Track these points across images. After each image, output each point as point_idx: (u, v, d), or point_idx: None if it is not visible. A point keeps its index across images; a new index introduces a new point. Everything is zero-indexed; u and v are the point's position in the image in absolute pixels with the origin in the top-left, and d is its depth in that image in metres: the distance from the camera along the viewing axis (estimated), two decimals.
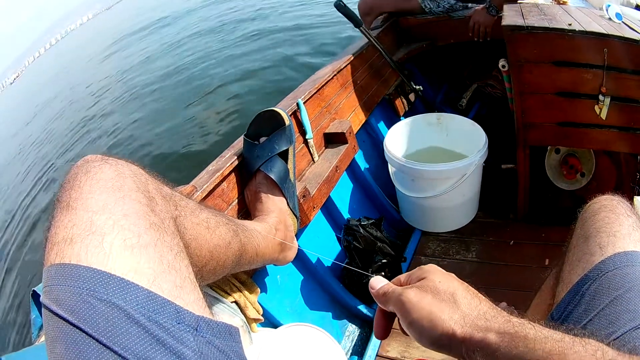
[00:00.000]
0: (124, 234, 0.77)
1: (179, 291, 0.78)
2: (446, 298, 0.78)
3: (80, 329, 0.67)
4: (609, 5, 2.21)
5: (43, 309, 0.72)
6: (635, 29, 2.01)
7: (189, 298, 0.79)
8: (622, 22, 2.13)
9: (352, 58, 2.77)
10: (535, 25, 2.03)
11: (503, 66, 2.30)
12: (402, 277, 0.90)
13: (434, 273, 0.85)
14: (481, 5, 2.93)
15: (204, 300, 0.84)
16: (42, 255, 0.78)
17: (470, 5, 3.16)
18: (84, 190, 0.82)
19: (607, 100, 2.00)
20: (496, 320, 0.73)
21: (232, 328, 0.84)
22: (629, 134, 2.05)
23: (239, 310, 1.56)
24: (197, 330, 0.75)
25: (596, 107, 2.04)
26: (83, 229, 0.76)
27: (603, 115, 2.04)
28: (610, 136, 2.11)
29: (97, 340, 0.66)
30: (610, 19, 2.14)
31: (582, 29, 1.95)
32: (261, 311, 1.67)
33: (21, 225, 7.59)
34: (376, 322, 0.93)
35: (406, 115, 3.12)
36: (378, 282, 0.92)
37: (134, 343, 0.67)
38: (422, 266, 0.88)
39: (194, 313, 0.77)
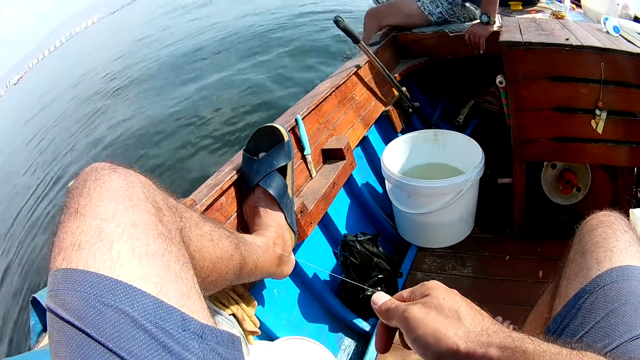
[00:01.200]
0: (132, 242, 0.78)
1: (185, 300, 0.79)
2: (450, 314, 0.79)
3: (87, 334, 0.67)
4: (606, 19, 2.24)
5: (48, 313, 0.73)
6: (633, 41, 2.04)
7: (195, 307, 0.80)
8: (620, 35, 2.16)
9: (351, 74, 2.80)
10: (533, 40, 2.06)
11: (500, 82, 2.31)
12: (405, 292, 0.91)
13: (438, 289, 0.86)
14: (476, 21, 2.97)
15: (208, 310, 0.85)
16: (48, 259, 0.78)
17: (467, 4, 3.20)
18: (93, 198, 0.83)
19: (604, 114, 2.02)
20: (497, 336, 0.74)
21: (235, 337, 0.85)
22: (625, 147, 2.07)
23: (236, 322, 1.58)
24: (202, 337, 0.77)
25: (592, 122, 2.07)
26: (92, 235, 0.77)
27: (599, 130, 2.06)
28: (607, 150, 2.13)
29: (103, 345, 0.67)
30: (607, 32, 2.17)
31: (580, 44, 1.98)
32: (258, 324, 1.68)
33: (22, 229, 7.59)
34: (377, 336, 0.94)
35: (404, 131, 3.14)
36: (380, 298, 0.93)
37: (140, 349, 0.68)
38: (425, 282, 0.89)
39: (200, 321, 0.78)
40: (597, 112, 2.03)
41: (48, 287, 0.75)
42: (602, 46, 1.94)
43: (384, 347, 0.94)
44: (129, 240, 0.78)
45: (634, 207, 1.73)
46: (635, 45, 2.00)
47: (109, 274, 0.73)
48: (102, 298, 0.70)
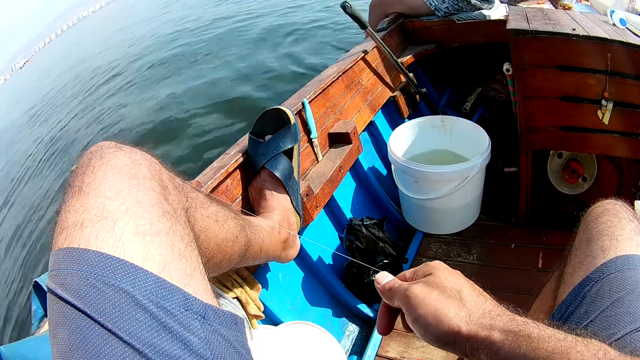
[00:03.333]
0: (136, 220, 0.77)
1: (189, 279, 0.77)
2: (452, 295, 0.78)
3: (86, 314, 0.66)
4: (613, 11, 2.21)
5: (48, 294, 0.71)
6: (639, 34, 2.00)
7: (198, 287, 0.78)
8: (626, 28, 2.13)
9: (358, 59, 2.78)
10: (540, 29, 2.03)
11: (507, 70, 2.28)
12: (408, 272, 0.90)
13: (440, 269, 0.84)
14: (484, 10, 2.94)
15: (212, 291, 0.83)
16: (50, 239, 0.77)
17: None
18: (98, 176, 0.81)
19: (610, 105, 1.99)
20: (501, 319, 0.72)
21: (238, 318, 0.84)
22: (632, 139, 2.04)
23: (240, 306, 1.56)
24: (204, 318, 0.75)
25: (599, 112, 2.04)
26: (95, 213, 0.75)
27: (606, 120, 2.04)
28: (613, 141, 2.10)
29: (102, 325, 0.65)
30: (614, 24, 2.14)
31: (586, 34, 1.94)
32: (262, 308, 1.66)
33: (24, 213, 7.59)
34: (379, 317, 0.93)
35: (410, 117, 3.13)
36: (384, 278, 0.92)
37: (140, 329, 0.66)
38: (428, 262, 0.87)
39: (203, 301, 0.77)
40: (604, 102, 2.00)
41: (49, 266, 0.74)
42: (609, 37, 1.91)
43: (385, 329, 0.93)
44: (132, 218, 0.76)
45: (638, 199, 1.71)
46: None
47: (111, 252, 0.71)
48: (103, 277, 0.68)
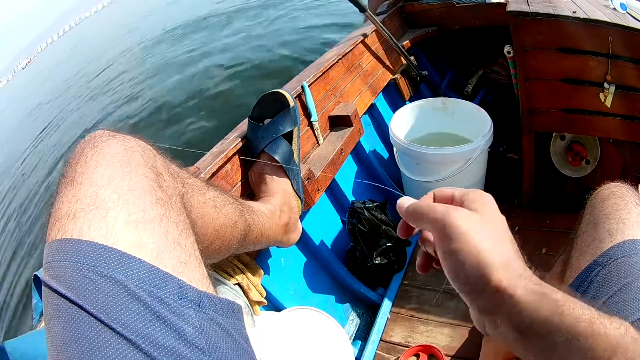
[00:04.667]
0: (128, 208, 0.75)
1: (183, 267, 0.76)
2: (498, 240, 0.70)
3: (79, 306, 0.65)
4: None
5: (42, 287, 0.70)
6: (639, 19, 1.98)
7: (193, 275, 0.77)
8: (627, 12, 2.10)
9: (358, 42, 2.75)
10: (540, 11, 2.00)
11: (508, 52, 2.26)
12: (457, 192, 0.79)
13: (491, 206, 0.76)
14: None
15: (208, 278, 0.82)
16: (45, 231, 0.76)
17: None
18: (90, 165, 0.80)
19: (612, 88, 1.97)
20: (531, 280, 0.66)
21: (235, 305, 0.83)
22: (634, 122, 2.02)
23: (241, 292, 1.54)
24: (199, 306, 0.74)
25: (601, 95, 2.02)
26: (87, 203, 0.74)
27: (608, 103, 2.01)
28: (615, 124, 2.08)
29: (95, 317, 0.64)
30: (614, 9, 2.11)
31: (587, 17, 1.92)
32: (264, 294, 1.65)
33: (26, 206, 7.60)
34: (419, 257, 0.89)
35: (411, 99, 3.09)
36: (407, 200, 0.83)
37: (133, 320, 0.65)
38: (481, 191, 0.78)
39: (197, 289, 0.75)
40: (606, 85, 1.98)
41: (44, 259, 0.73)
42: (610, 21, 1.89)
43: (422, 267, 0.89)
44: (125, 206, 0.75)
45: None
46: None
47: (104, 242, 0.70)
48: (96, 268, 0.68)
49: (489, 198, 0.77)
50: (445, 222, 0.71)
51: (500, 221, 0.74)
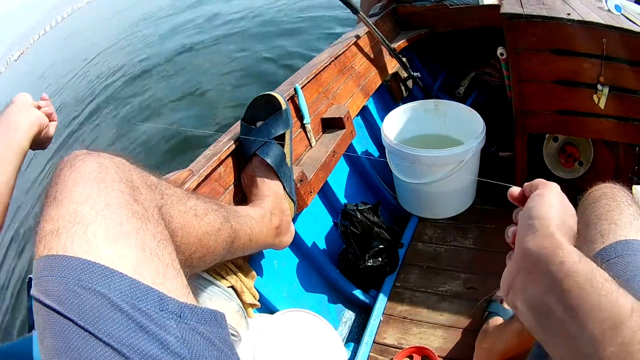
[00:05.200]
0: (106, 223, 0.79)
1: (162, 278, 0.79)
2: (561, 210, 0.83)
3: (68, 318, 0.68)
4: None
5: (34, 302, 0.73)
6: (635, 21, 1.98)
7: (172, 285, 0.80)
8: (622, 14, 2.10)
9: (350, 44, 2.74)
10: (534, 13, 2.00)
11: (501, 54, 2.26)
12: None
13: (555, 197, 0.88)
14: None
15: (188, 287, 0.86)
16: (33, 249, 0.79)
17: None
18: (69, 184, 0.84)
19: (606, 90, 1.97)
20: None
21: (218, 314, 0.86)
22: (628, 124, 2.02)
23: (235, 295, 1.53)
24: (180, 317, 0.76)
25: (595, 97, 2.02)
26: (68, 220, 0.78)
27: (601, 105, 2.02)
28: (609, 126, 2.08)
29: (83, 328, 0.67)
30: (609, 10, 2.11)
31: (581, 19, 1.92)
32: (258, 296, 1.64)
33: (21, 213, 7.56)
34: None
35: (404, 101, 3.09)
36: (515, 188, 1.00)
37: (118, 330, 0.68)
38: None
39: (178, 300, 0.78)
40: (599, 87, 1.98)
41: (33, 276, 0.77)
42: (604, 22, 1.90)
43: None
44: (102, 221, 0.79)
45: (636, 184, 1.69)
46: (636, 24, 1.95)
47: (86, 256, 0.74)
48: (80, 281, 0.71)
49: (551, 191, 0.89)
50: (548, 184, 0.90)
51: (567, 213, 0.85)
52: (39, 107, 1.42)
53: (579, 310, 0.69)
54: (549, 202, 0.84)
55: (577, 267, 0.71)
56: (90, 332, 0.67)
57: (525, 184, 0.97)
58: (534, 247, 0.78)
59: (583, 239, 1.07)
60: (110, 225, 0.79)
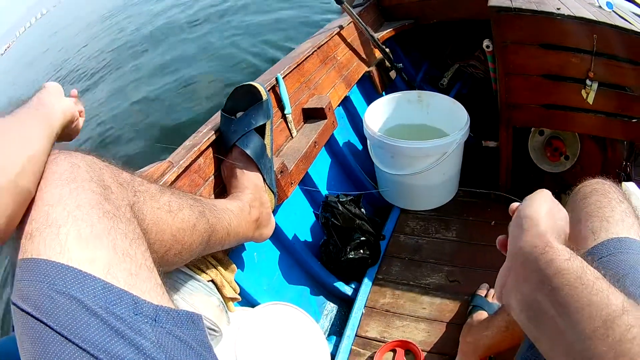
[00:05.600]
0: (77, 224, 0.79)
1: (135, 279, 0.79)
2: (562, 217, 0.92)
3: (44, 323, 0.69)
4: None
5: (12, 307, 0.74)
6: (626, 18, 1.98)
7: (145, 286, 0.80)
8: (613, 11, 2.09)
9: (334, 34, 2.72)
10: (523, 7, 1.98)
11: (487, 46, 2.24)
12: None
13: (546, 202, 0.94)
14: None
15: (163, 286, 0.86)
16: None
17: None
18: (42, 185, 0.84)
19: (595, 85, 1.96)
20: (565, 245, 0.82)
21: (194, 315, 0.86)
22: (616, 120, 2.02)
23: (215, 289, 1.51)
24: (155, 320, 0.77)
25: (583, 92, 2.01)
26: (41, 222, 0.78)
27: (590, 100, 2.01)
28: (597, 121, 2.07)
29: (59, 333, 0.68)
30: (600, 7, 2.11)
31: (572, 14, 1.91)
32: (238, 290, 1.62)
33: None
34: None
35: (386, 92, 3.07)
36: (516, 203, 1.01)
37: (93, 335, 0.69)
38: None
39: (152, 303, 0.78)
40: (588, 82, 1.98)
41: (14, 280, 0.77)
42: (595, 19, 1.88)
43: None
44: (74, 222, 0.79)
45: (624, 181, 1.68)
46: (628, 22, 1.94)
47: (59, 259, 0.74)
48: (54, 285, 0.71)
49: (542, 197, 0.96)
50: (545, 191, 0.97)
51: (555, 215, 0.91)
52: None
53: (570, 308, 0.69)
54: (539, 204, 0.90)
55: (567, 265, 0.72)
56: (66, 338, 0.67)
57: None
58: (524, 246, 0.82)
59: (573, 235, 1.05)
60: (82, 227, 0.78)
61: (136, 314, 0.74)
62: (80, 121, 1.35)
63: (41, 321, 0.68)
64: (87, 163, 0.91)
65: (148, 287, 0.80)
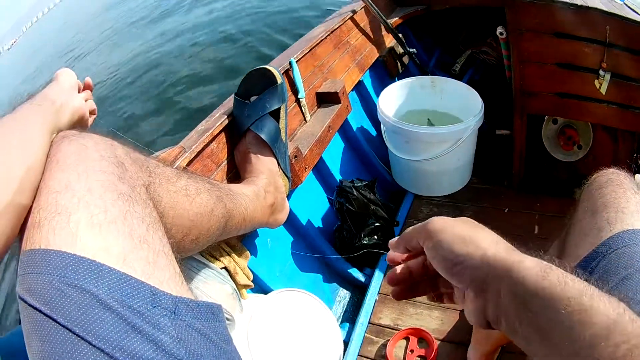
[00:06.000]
0: (89, 210, 0.72)
1: (152, 268, 0.73)
2: (480, 226, 0.76)
3: (54, 319, 0.63)
4: None
5: (18, 300, 0.68)
6: (638, 11, 1.96)
7: (164, 275, 0.74)
8: (624, 4, 2.08)
9: (346, 19, 2.68)
10: None
11: (501, 33, 2.21)
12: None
13: (467, 218, 0.81)
14: None
15: (182, 275, 0.80)
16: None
17: None
18: (46, 174, 0.79)
19: (608, 76, 1.94)
20: (528, 253, 0.68)
21: (215, 307, 0.81)
22: (628, 111, 1.99)
23: (228, 276, 1.48)
24: (175, 313, 0.71)
25: (596, 82, 1.99)
26: (49, 211, 0.72)
27: (603, 90, 1.98)
28: (609, 112, 2.05)
29: (71, 330, 0.62)
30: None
31: (584, 4, 1.89)
32: (251, 277, 1.58)
33: None
34: (391, 280, 0.88)
35: (399, 77, 3.03)
36: (393, 239, 0.89)
37: (108, 331, 0.63)
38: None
39: (171, 294, 0.72)
40: (601, 72, 1.95)
41: (18, 272, 0.71)
42: (608, 10, 1.86)
43: (399, 294, 0.90)
44: (85, 208, 0.73)
45: (636, 173, 1.65)
46: (639, 14, 1.92)
47: (70, 250, 0.68)
48: (65, 278, 0.65)
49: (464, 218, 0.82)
50: (431, 223, 0.78)
51: (474, 222, 0.79)
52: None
53: (552, 334, 0.62)
54: (459, 229, 0.75)
55: (542, 284, 0.63)
56: (78, 335, 0.62)
57: (391, 242, 0.91)
58: (487, 284, 0.69)
59: (589, 226, 1.03)
60: (95, 213, 0.72)
61: (154, 307, 0.69)
62: (90, 120, 1.28)
63: (51, 317, 0.63)
64: (96, 141, 0.85)
65: (166, 277, 0.74)
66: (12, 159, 0.79)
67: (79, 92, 1.23)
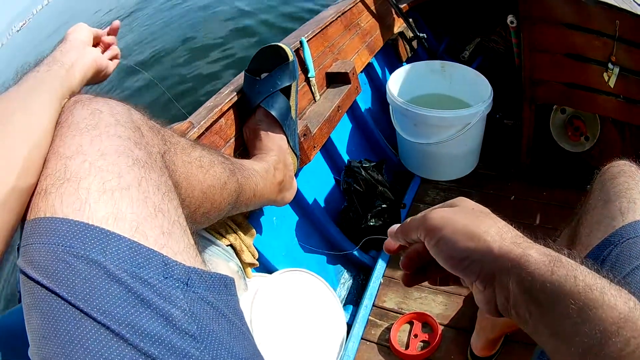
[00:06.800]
0: (102, 175, 0.67)
1: (167, 239, 0.68)
2: (481, 214, 0.67)
3: (56, 294, 0.58)
4: None
5: (19, 274, 0.63)
6: None
7: (178, 246, 0.69)
8: (634, 0, 2.02)
9: (357, 1, 2.64)
10: None
11: (512, 22, 2.16)
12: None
13: (466, 200, 0.74)
14: None
15: (196, 247, 0.74)
16: None
17: None
18: (56, 140, 0.73)
19: (617, 69, 1.90)
20: (536, 243, 0.62)
21: (227, 279, 0.75)
22: (636, 106, 1.95)
23: (234, 254, 1.44)
24: (187, 285, 0.66)
25: (605, 75, 1.95)
26: (57, 177, 0.67)
27: (611, 83, 1.94)
28: (617, 105, 2.01)
29: (74, 305, 0.58)
30: None
31: None
32: (257, 255, 1.54)
33: None
34: (406, 263, 0.81)
35: (409, 61, 3.00)
36: (393, 227, 0.82)
37: (115, 306, 0.59)
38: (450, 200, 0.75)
39: (184, 264, 0.67)
40: (610, 65, 1.91)
41: (20, 243, 0.66)
42: (618, 5, 1.82)
43: (409, 281, 0.84)
44: (98, 174, 0.67)
45: None
46: None
47: (78, 217, 0.63)
48: (71, 248, 0.60)
49: (461, 198, 0.75)
50: (428, 217, 0.70)
51: (479, 205, 0.72)
52: (100, 43, 1.19)
53: (561, 329, 0.58)
54: (462, 221, 0.67)
55: (551, 279, 0.58)
56: (82, 310, 0.57)
57: (390, 231, 0.85)
58: (494, 276, 0.63)
59: (601, 214, 1.01)
60: (108, 178, 0.67)
61: (166, 277, 0.64)
62: (112, 66, 1.19)
63: (53, 291, 0.58)
64: (112, 106, 0.79)
65: (181, 248, 0.69)
66: (15, 139, 0.72)
67: (98, 43, 1.17)
